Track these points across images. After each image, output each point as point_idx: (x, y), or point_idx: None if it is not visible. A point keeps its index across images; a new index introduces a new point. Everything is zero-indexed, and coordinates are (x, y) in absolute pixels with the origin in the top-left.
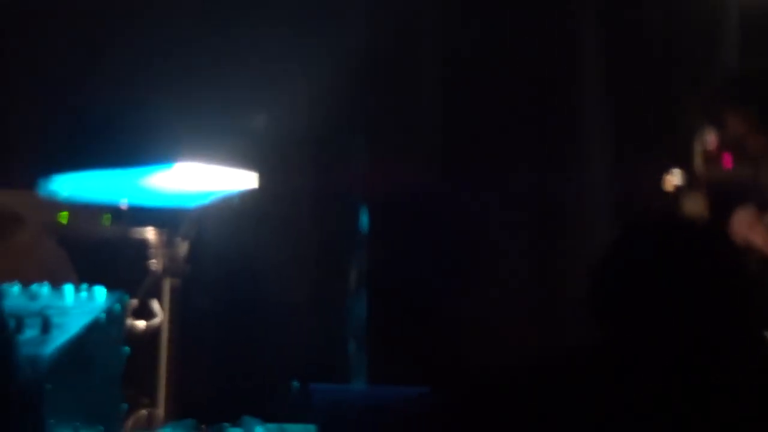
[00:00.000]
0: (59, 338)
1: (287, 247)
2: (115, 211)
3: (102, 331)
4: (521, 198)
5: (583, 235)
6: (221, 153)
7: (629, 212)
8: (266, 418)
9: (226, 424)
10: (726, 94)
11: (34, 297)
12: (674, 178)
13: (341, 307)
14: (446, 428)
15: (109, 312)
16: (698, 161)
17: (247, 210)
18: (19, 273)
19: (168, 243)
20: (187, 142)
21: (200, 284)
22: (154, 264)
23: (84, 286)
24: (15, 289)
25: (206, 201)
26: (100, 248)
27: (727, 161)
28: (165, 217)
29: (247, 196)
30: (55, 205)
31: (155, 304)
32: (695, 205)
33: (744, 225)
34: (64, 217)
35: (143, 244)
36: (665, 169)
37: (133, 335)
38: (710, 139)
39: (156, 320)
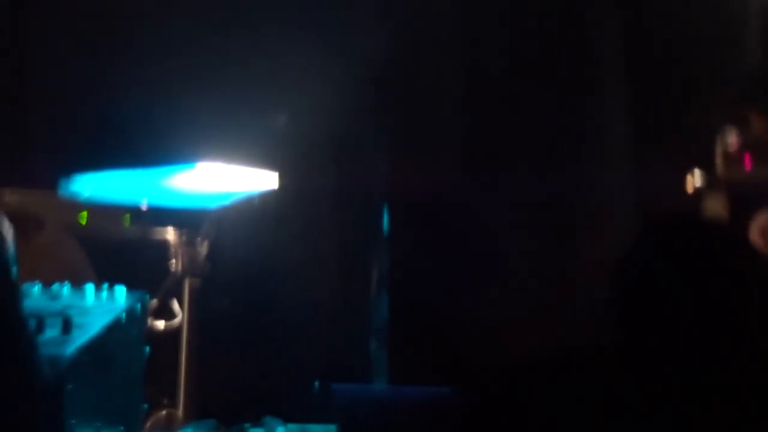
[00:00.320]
0: (80, 338)
1: (308, 246)
2: (135, 212)
3: (123, 331)
4: (542, 198)
5: (603, 235)
6: (242, 153)
7: (650, 213)
8: (287, 418)
9: (247, 425)
10: (748, 94)
11: (54, 297)
12: (695, 179)
13: (362, 306)
14: (467, 428)
15: (129, 311)
16: (720, 162)
17: (267, 210)
18: (39, 273)
19: (188, 243)
20: (209, 143)
21: (220, 284)
22: (174, 264)
23: (105, 285)
24: (36, 288)
25: (227, 201)
26: (120, 248)
27: (749, 162)
28: (185, 218)
29: (267, 197)
30: (76, 205)
31: (175, 304)
32: (716, 206)
33: (765, 228)
34: (83, 217)
35: (163, 244)
36: (686, 169)
37: (153, 335)
38: (732, 139)
39: (176, 320)
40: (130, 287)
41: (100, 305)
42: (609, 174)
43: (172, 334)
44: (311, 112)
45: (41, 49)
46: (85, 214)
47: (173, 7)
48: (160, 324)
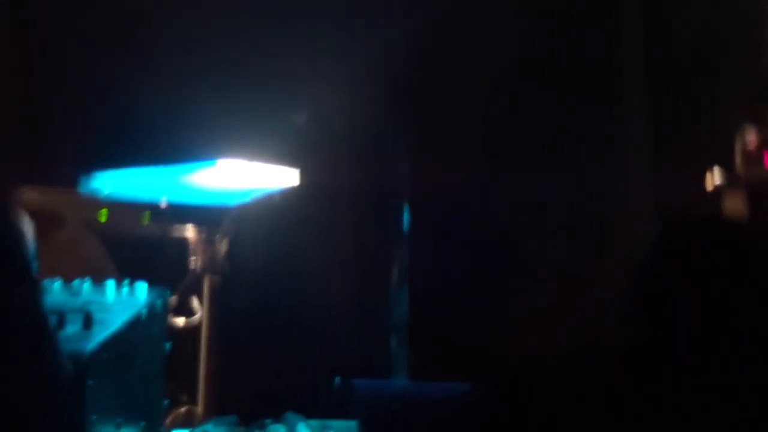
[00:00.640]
0: (101, 334)
1: (328, 244)
2: (154, 209)
3: (143, 327)
4: (561, 198)
5: (623, 234)
6: (263, 150)
7: (669, 212)
8: (308, 414)
9: (268, 420)
10: (767, 93)
11: (75, 293)
12: (715, 178)
13: (382, 303)
14: (487, 424)
15: (150, 307)
16: (739, 160)
17: (288, 207)
18: (60, 270)
19: (208, 241)
20: (230, 139)
21: (240, 282)
22: (194, 262)
23: (125, 281)
24: (56, 285)
25: (247, 198)
26: (140, 246)
27: None
28: (205, 215)
29: (288, 194)
30: (96, 203)
31: (195, 302)
32: (736, 205)
33: None
34: (103, 214)
35: (183, 242)
36: (706, 168)
37: (172, 333)
38: (751, 138)
39: (195, 318)
40: (150, 285)
41: (121, 301)
42: (629, 173)
43: (192, 331)
44: (332, 110)
45: (61, 47)
46: (104, 211)
47: (194, 5)
48: (180, 321)
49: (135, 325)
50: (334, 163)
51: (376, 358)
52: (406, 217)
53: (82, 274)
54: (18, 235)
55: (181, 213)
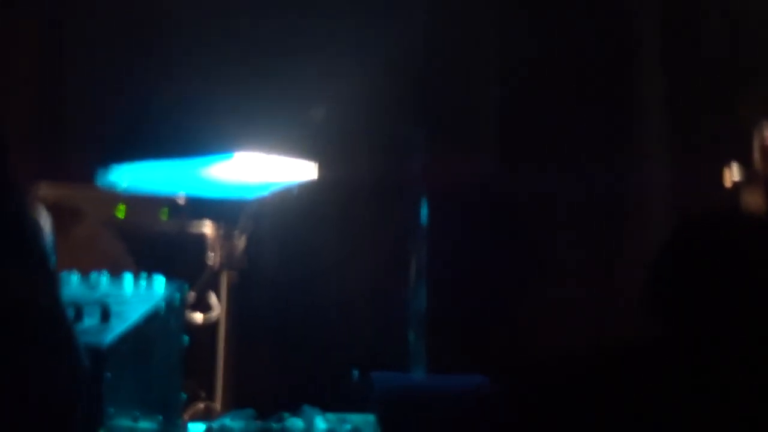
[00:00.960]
0: (119, 327)
1: (346, 237)
2: (172, 205)
3: (161, 320)
4: (580, 192)
5: (641, 229)
6: (281, 143)
7: (688, 207)
8: (326, 407)
9: (285, 414)
10: None
11: (93, 286)
12: (733, 173)
13: (400, 297)
14: (505, 417)
15: (168, 301)
16: (757, 156)
17: (305, 201)
18: (78, 265)
19: (226, 236)
20: (247, 132)
21: (258, 277)
22: (212, 258)
23: (143, 275)
24: (74, 278)
25: (265, 192)
26: (158, 242)
27: None
28: (223, 211)
29: (306, 187)
30: (114, 198)
31: (213, 298)
32: (754, 200)
33: None
34: (121, 210)
35: (201, 237)
36: (724, 164)
37: (190, 329)
38: None
39: (213, 314)
40: (168, 280)
41: (139, 294)
42: (647, 168)
43: (210, 327)
44: (350, 102)
45: (78, 42)
46: (123, 207)
47: None
48: (198, 317)
49: (153, 318)
50: (353, 155)
51: (394, 352)
52: (424, 211)
53: (99, 269)
54: (36, 229)
55: (199, 209)
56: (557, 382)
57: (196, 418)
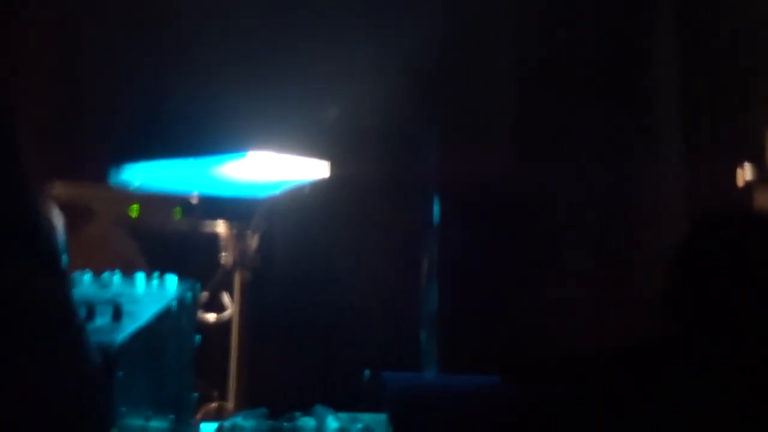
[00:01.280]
0: (130, 326)
1: (358, 236)
2: (185, 204)
3: (173, 319)
4: (592, 191)
5: (654, 228)
6: (293, 142)
7: (701, 206)
8: (338, 407)
9: (297, 413)
10: None
11: (105, 285)
12: (746, 173)
13: (412, 296)
14: (517, 416)
15: (180, 300)
16: None
17: (318, 200)
18: (91, 264)
19: (239, 236)
20: (260, 131)
21: (271, 277)
22: (225, 257)
23: (155, 274)
24: (86, 277)
25: (277, 191)
26: (171, 242)
27: None
28: (236, 210)
29: (318, 186)
30: (127, 197)
31: (226, 298)
32: (766, 201)
33: None
34: (134, 210)
35: (214, 237)
36: (737, 164)
37: (203, 328)
38: None
39: (226, 313)
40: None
41: (151, 293)
42: (660, 168)
43: (223, 327)
44: (362, 101)
45: (92, 41)
46: (136, 206)
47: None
48: (211, 317)
49: (165, 317)
50: (365, 154)
51: (405, 351)
52: (436, 210)
53: (112, 268)
54: (48, 228)
55: (212, 208)
56: (568, 382)
57: (208, 417)
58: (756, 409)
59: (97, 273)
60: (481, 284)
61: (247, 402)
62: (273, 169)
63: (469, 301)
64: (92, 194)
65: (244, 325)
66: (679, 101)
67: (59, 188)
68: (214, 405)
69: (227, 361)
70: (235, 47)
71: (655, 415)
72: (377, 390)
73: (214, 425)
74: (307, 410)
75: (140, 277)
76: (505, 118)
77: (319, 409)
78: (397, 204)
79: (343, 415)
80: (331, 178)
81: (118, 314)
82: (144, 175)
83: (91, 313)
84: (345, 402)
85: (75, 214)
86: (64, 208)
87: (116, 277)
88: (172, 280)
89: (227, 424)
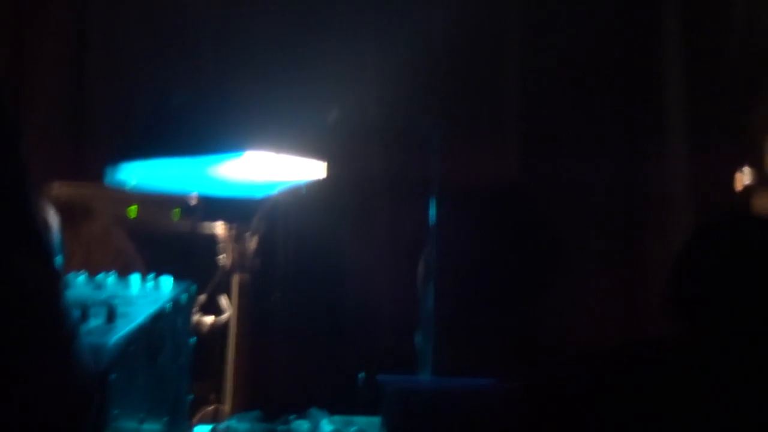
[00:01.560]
0: (124, 327)
1: (356, 237)
2: (184, 206)
3: (168, 321)
4: (598, 192)
5: (660, 229)
6: (291, 142)
7: (709, 207)
8: (336, 410)
9: (292, 416)
10: None
11: (99, 286)
12: (745, 177)
13: (409, 298)
14: (513, 419)
15: (175, 301)
16: None
17: (315, 200)
18: (88, 265)
19: (237, 238)
20: (257, 131)
21: (269, 279)
22: (223, 259)
23: (150, 275)
24: (81, 278)
25: (275, 191)
26: (169, 243)
27: None
28: (234, 212)
29: (316, 186)
30: (125, 197)
31: (224, 300)
32: (766, 204)
33: None
34: (133, 210)
35: (212, 239)
36: (737, 167)
37: (201, 331)
38: None
39: (224, 316)
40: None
41: (145, 295)
42: (666, 169)
43: (221, 329)
44: (361, 101)
45: (93, 42)
46: (134, 207)
47: None
48: (209, 320)
49: (159, 318)
50: (363, 154)
51: (402, 354)
52: (437, 211)
53: (109, 269)
54: (42, 227)
55: (211, 209)
56: (566, 384)
57: (205, 420)
58: (767, 409)
59: (95, 273)
60: (480, 286)
61: (244, 405)
62: (270, 169)
63: (467, 304)
64: (91, 194)
65: (242, 328)
66: (685, 102)
67: (58, 187)
68: (211, 408)
69: (224, 364)
70: (234, 47)
71: (657, 415)
72: (373, 393)
73: (208, 428)
74: (302, 413)
75: (135, 278)
76: (508, 117)
77: (314, 411)
78: (398, 205)
79: (338, 418)
80: (330, 178)
81: (112, 316)
82: (142, 175)
83: (84, 315)
84: (343, 405)
85: (74, 214)
86: (63, 207)
87: (111, 278)
88: (167, 281)
89: (221, 426)
